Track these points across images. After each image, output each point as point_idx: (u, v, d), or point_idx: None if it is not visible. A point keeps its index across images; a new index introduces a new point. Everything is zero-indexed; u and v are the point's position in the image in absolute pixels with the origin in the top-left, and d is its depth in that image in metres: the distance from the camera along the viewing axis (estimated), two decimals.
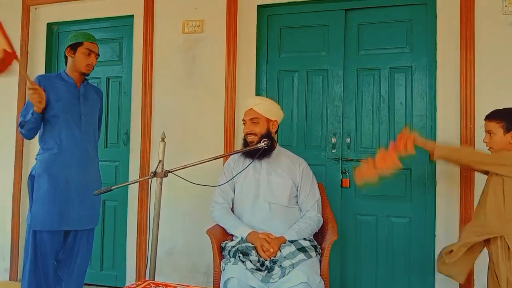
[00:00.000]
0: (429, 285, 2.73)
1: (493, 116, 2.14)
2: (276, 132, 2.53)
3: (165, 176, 2.09)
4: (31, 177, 2.47)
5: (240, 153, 2.47)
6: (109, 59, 3.46)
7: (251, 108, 2.43)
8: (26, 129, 2.37)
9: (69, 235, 2.53)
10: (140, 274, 3.18)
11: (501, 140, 2.09)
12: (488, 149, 2.19)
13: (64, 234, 2.51)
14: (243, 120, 2.49)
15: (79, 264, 2.58)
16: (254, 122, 2.41)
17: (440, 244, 2.67)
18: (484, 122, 2.18)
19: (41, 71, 3.53)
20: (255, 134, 2.39)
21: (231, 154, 2.49)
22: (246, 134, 2.44)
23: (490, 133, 2.13)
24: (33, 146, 3.46)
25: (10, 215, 3.50)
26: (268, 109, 2.44)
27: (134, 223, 3.23)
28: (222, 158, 2.84)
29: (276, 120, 2.47)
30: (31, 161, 3.50)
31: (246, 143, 2.44)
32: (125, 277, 3.27)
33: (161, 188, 2.10)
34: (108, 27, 3.47)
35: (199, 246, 3.05)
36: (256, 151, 2.30)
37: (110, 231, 3.41)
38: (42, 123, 2.43)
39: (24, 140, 3.44)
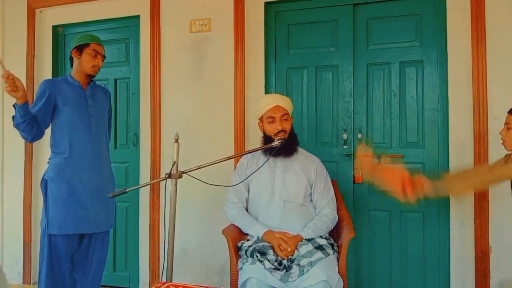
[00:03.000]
0: (444, 279, 2.72)
1: None
2: None
3: (180, 177, 2.08)
4: (44, 182, 2.47)
5: (254, 152, 2.45)
6: (116, 60, 3.45)
7: (278, 105, 2.39)
8: (15, 125, 2.31)
9: (84, 238, 2.53)
10: (153, 274, 3.18)
11: None
12: (502, 143, 2.10)
13: (79, 237, 2.51)
14: (270, 117, 2.39)
15: (94, 267, 2.58)
16: (285, 119, 2.39)
17: (455, 237, 2.67)
18: (507, 115, 2.07)
19: (48, 73, 3.53)
20: (286, 132, 2.37)
21: (248, 153, 2.47)
22: (278, 132, 2.36)
23: (508, 127, 2.04)
24: (43, 150, 3.46)
25: (22, 219, 3.51)
26: (290, 106, 2.46)
27: (146, 224, 3.24)
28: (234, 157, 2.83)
29: (292, 117, 2.49)
30: (40, 165, 3.51)
31: (268, 142, 2.37)
32: (139, 278, 3.28)
33: (176, 189, 2.09)
34: (114, 28, 3.46)
35: (212, 246, 3.05)
36: (274, 148, 2.27)
37: (122, 232, 3.41)
38: (45, 125, 2.42)
39: (34, 144, 3.44)
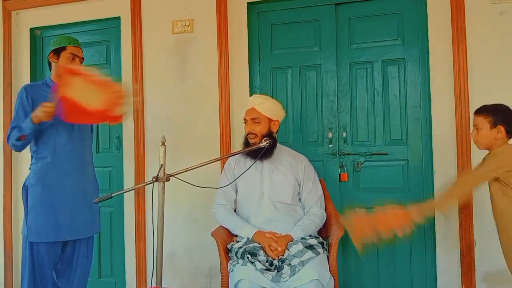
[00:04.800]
0: (431, 274, 2.77)
1: (481, 110, 2.13)
2: (277, 131, 2.50)
3: (168, 180, 2.05)
4: (25, 188, 2.41)
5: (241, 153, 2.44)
6: (97, 63, 3.38)
7: (253, 108, 2.40)
8: (21, 144, 2.29)
9: (67, 245, 2.47)
10: (140, 279, 3.14)
11: (487, 135, 2.06)
12: (475, 144, 2.16)
13: (62, 244, 2.45)
14: (244, 119, 2.46)
15: (79, 275, 2.52)
16: (255, 122, 2.38)
17: (440, 232, 2.72)
18: (474, 117, 2.16)
19: (26, 77, 3.45)
20: (256, 135, 2.37)
21: (234, 154, 2.46)
22: (247, 134, 2.42)
23: (477, 128, 2.12)
24: (22, 155, 3.36)
25: (2, 226, 3.42)
26: (270, 109, 2.40)
27: (131, 228, 3.19)
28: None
29: (277, 120, 2.45)
30: (20, 171, 3.42)
31: (247, 142, 2.42)
32: (125, 284, 3.23)
33: (164, 192, 2.06)
34: (94, 30, 3.39)
35: (200, 248, 3.03)
36: (259, 151, 2.28)
37: (107, 237, 3.35)
38: None
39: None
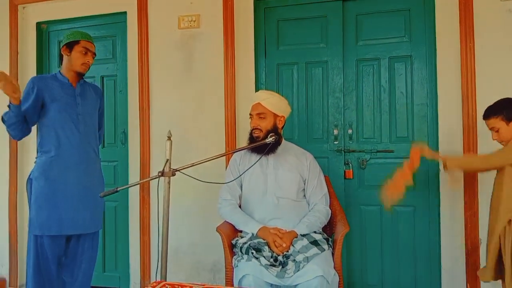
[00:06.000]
0: (435, 272, 2.76)
1: (489, 113, 2.18)
2: (283, 127, 2.49)
3: (173, 175, 2.06)
4: (29, 181, 2.42)
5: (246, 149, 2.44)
6: (103, 57, 3.38)
7: (259, 103, 2.39)
8: (7, 125, 2.30)
9: (71, 239, 2.48)
10: (144, 274, 3.14)
11: (508, 131, 2.12)
12: (501, 143, 2.19)
13: (67, 238, 2.46)
14: (250, 114, 2.45)
15: (84, 269, 2.53)
16: (261, 117, 2.38)
17: (445, 230, 2.70)
18: (484, 121, 2.21)
19: (32, 71, 3.45)
20: (261, 130, 2.37)
21: (240, 150, 2.45)
22: (253, 129, 2.41)
23: (495, 130, 2.16)
24: (28, 149, 3.40)
25: (7, 220, 3.43)
26: (276, 104, 2.39)
27: (136, 223, 3.19)
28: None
29: (283, 116, 2.44)
30: (25, 164, 3.43)
31: (252, 138, 2.41)
32: (129, 278, 3.24)
33: (169, 187, 2.07)
34: (100, 25, 3.39)
35: (204, 243, 3.03)
36: (264, 147, 2.27)
37: (111, 232, 3.36)
38: (32, 123, 2.37)
39: (19, 143, 3.37)
